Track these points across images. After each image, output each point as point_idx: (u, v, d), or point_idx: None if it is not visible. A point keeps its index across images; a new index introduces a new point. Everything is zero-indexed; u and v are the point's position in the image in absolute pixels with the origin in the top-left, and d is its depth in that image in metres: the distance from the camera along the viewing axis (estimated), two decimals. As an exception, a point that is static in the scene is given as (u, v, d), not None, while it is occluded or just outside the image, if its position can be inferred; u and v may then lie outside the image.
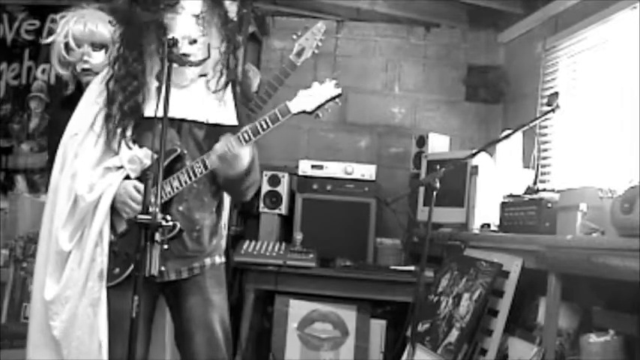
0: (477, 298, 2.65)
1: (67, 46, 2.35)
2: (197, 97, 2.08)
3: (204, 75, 2.09)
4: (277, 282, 3.30)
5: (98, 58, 2.35)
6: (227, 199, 2.32)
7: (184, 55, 1.96)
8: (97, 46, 2.36)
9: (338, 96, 2.01)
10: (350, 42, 4.26)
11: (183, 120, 2.06)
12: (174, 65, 1.85)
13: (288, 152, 4.11)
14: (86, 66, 2.34)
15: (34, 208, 3.75)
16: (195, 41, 2.01)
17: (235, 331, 2.26)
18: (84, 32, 2.33)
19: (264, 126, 1.97)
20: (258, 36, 4.20)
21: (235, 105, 2.16)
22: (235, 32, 2.14)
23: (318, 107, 2.01)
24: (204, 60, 2.04)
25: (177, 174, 1.99)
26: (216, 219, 2.19)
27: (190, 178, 2.00)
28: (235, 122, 2.12)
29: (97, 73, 2.24)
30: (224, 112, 2.12)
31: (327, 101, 2.01)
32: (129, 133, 2.02)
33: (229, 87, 2.14)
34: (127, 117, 2.01)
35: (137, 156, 2.00)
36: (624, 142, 2.77)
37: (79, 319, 1.95)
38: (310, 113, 2.02)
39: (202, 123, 2.09)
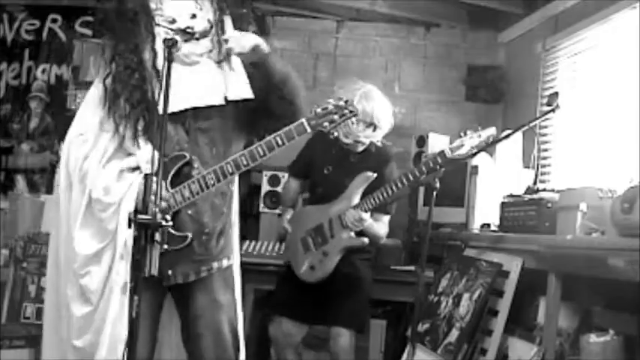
0: (477, 298, 2.65)
1: None
2: (207, 75, 2.05)
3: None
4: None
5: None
6: (235, 200, 2.32)
7: (188, 27, 1.94)
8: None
9: (353, 115, 2.00)
10: (350, 42, 4.26)
11: (195, 108, 2.02)
12: (181, 42, 1.85)
13: (289, 152, 4.07)
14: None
15: (34, 208, 3.75)
16: (194, 16, 2.01)
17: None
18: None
19: (280, 142, 1.96)
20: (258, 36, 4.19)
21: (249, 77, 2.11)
22: (228, 2, 2.11)
23: (334, 127, 2.00)
24: (207, 30, 2.02)
25: (189, 183, 1.97)
26: (226, 220, 2.16)
27: (202, 189, 1.97)
28: (251, 95, 2.08)
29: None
30: (237, 86, 2.08)
31: (342, 120, 2.00)
32: (140, 127, 1.99)
33: (238, 60, 2.11)
34: (135, 110, 1.99)
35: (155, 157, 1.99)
36: (624, 142, 2.77)
37: (105, 334, 1.93)
38: (327, 132, 2.01)
39: (210, 109, 2.06)
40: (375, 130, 2.88)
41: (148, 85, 2.02)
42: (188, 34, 1.95)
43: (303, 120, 1.97)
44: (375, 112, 2.84)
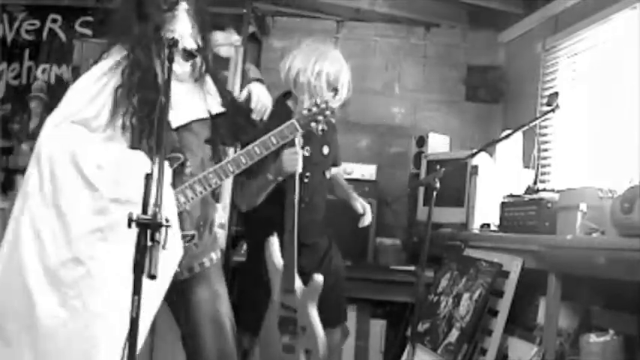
0: (477, 298, 2.65)
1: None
2: (194, 91, 2.13)
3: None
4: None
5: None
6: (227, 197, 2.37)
7: (185, 47, 1.99)
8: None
9: (331, 112, 2.22)
10: (350, 42, 4.26)
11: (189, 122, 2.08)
12: (181, 60, 1.91)
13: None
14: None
15: (34, 208, 3.74)
16: (190, 35, 2.05)
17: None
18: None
19: (274, 142, 2.11)
20: (258, 36, 4.20)
21: (220, 93, 2.20)
22: (204, 16, 2.12)
23: (318, 125, 2.22)
24: (199, 50, 2.07)
25: (190, 184, 2.01)
26: (212, 210, 2.23)
27: (205, 189, 2.02)
28: (222, 109, 2.18)
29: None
30: (214, 102, 2.18)
31: (324, 119, 2.22)
32: (145, 137, 1.98)
33: (209, 78, 2.19)
34: (145, 121, 1.98)
35: None
36: (624, 141, 2.77)
37: None
38: (315, 131, 2.23)
39: (200, 120, 2.13)
40: (335, 95, 2.64)
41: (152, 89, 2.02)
42: (189, 54, 2.04)
43: (294, 120, 2.17)
44: (340, 76, 2.63)
